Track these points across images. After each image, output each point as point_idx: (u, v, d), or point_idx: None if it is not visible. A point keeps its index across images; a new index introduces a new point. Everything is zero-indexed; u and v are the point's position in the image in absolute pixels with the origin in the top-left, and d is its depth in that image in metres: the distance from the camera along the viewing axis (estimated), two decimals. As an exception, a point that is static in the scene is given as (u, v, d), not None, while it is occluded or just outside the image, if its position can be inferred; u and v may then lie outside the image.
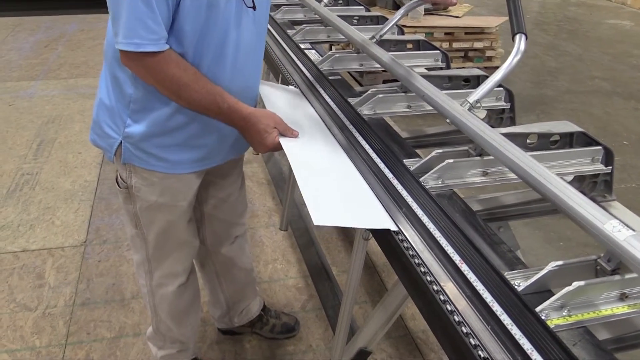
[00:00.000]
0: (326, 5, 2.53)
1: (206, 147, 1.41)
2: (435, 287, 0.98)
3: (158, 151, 1.35)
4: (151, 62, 1.18)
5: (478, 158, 1.34)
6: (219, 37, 1.25)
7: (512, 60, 1.39)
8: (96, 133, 1.42)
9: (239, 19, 1.28)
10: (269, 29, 2.47)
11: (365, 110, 1.67)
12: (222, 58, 1.29)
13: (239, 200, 1.75)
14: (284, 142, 1.33)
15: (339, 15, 2.26)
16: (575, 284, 0.91)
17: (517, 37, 1.40)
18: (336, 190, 1.24)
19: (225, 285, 1.90)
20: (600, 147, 1.38)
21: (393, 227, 1.13)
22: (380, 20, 2.52)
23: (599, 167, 1.37)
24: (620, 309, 0.94)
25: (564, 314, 0.91)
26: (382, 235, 1.17)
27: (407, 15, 4.69)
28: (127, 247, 2.55)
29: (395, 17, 1.99)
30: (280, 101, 1.61)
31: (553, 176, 1.10)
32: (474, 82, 1.79)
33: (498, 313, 0.89)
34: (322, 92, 1.75)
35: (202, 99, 1.24)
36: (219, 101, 1.26)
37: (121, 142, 1.35)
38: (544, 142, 1.41)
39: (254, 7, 1.30)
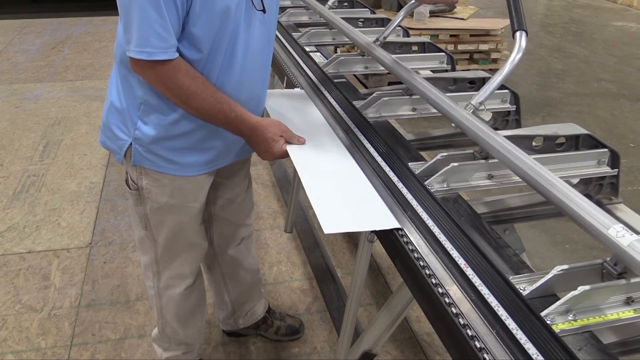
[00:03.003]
0: (330, 8, 2.53)
1: (215, 149, 1.42)
2: (440, 290, 0.97)
3: (168, 154, 1.36)
4: (162, 70, 1.20)
5: (483, 161, 1.33)
6: (229, 41, 1.26)
7: (514, 57, 1.38)
8: (106, 135, 1.42)
9: (248, 22, 1.28)
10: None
11: (370, 113, 1.67)
12: (232, 63, 1.29)
13: (246, 201, 1.75)
14: (291, 150, 1.35)
15: (343, 18, 2.27)
16: (581, 289, 0.91)
17: (518, 34, 1.39)
18: (344, 195, 1.25)
19: (230, 286, 1.90)
20: (606, 150, 1.37)
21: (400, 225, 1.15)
22: (385, 22, 2.52)
23: (605, 170, 1.37)
24: (627, 313, 0.93)
25: (570, 318, 0.91)
26: (387, 238, 1.17)
27: (412, 17, 4.69)
28: (132, 249, 2.55)
29: (396, 19, 1.99)
30: (286, 110, 1.63)
31: (557, 179, 1.09)
32: (479, 84, 1.78)
33: (503, 317, 0.89)
34: (327, 95, 1.75)
35: (211, 108, 1.26)
36: (227, 110, 1.27)
37: (131, 144, 1.35)
38: (549, 145, 1.41)
39: (263, 10, 1.31)
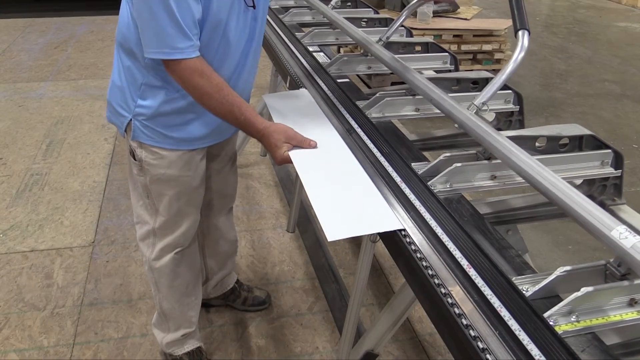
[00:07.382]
0: (334, 8, 2.53)
1: (207, 127, 1.53)
2: (443, 290, 0.97)
3: (163, 129, 1.48)
4: (178, 69, 1.31)
5: (486, 162, 1.33)
6: (222, 33, 1.38)
7: (517, 56, 1.38)
8: (110, 111, 1.57)
9: (240, 18, 1.41)
10: (277, 33, 2.48)
11: (373, 114, 1.67)
12: (227, 51, 1.42)
13: (232, 172, 1.88)
14: (294, 157, 1.37)
15: (346, 18, 2.27)
16: (584, 290, 0.90)
17: (520, 33, 1.39)
18: (346, 198, 1.25)
19: (208, 255, 2.02)
20: (609, 151, 1.37)
21: (402, 226, 1.14)
22: (388, 22, 2.51)
23: (609, 171, 1.36)
24: (630, 314, 0.93)
25: (572, 319, 0.91)
26: (389, 238, 1.17)
27: (416, 17, 4.68)
28: (135, 248, 2.56)
29: (399, 19, 1.99)
30: (289, 110, 1.64)
31: (560, 180, 1.09)
32: (482, 84, 1.78)
33: (506, 318, 0.88)
34: (330, 95, 1.75)
35: (221, 108, 1.36)
36: (236, 112, 1.37)
37: (131, 120, 1.49)
38: (553, 145, 1.41)
39: (253, 6, 1.43)
